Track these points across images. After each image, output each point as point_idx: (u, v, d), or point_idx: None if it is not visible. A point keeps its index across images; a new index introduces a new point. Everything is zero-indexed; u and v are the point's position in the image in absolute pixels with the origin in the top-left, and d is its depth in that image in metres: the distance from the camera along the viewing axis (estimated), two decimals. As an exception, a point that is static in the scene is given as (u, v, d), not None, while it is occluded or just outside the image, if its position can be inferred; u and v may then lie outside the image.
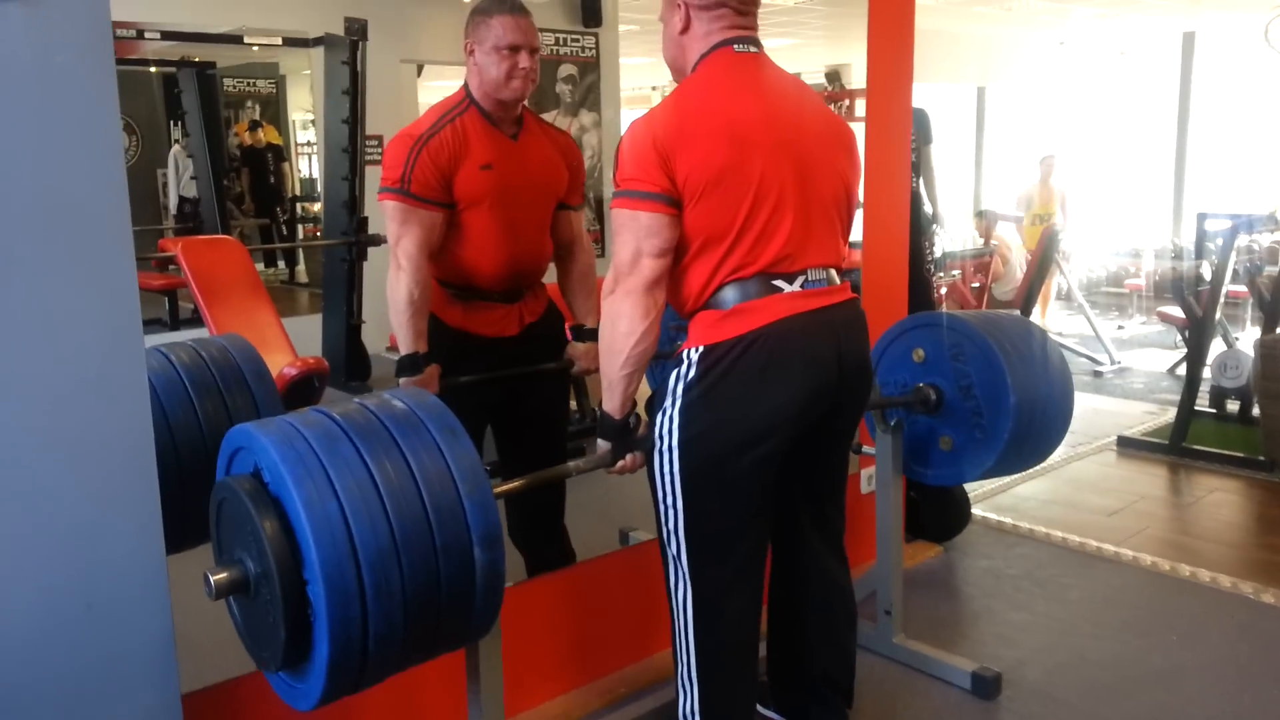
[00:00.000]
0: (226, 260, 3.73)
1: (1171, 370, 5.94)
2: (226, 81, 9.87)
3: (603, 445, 1.79)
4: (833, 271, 1.78)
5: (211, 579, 1.35)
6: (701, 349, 1.69)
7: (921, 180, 4.48)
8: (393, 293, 2.18)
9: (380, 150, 6.11)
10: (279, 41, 5.06)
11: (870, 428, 2.49)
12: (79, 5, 1.40)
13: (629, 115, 8.89)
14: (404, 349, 2.21)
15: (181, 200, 7.87)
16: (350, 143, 4.92)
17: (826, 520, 1.94)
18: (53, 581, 1.39)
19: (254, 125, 9.56)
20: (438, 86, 9.76)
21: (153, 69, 7.70)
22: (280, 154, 9.23)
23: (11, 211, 1.34)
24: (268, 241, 9.33)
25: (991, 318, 2.44)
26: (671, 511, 1.73)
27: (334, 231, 5.14)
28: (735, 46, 1.74)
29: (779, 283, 1.69)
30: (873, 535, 2.55)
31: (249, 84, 10.06)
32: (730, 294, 1.69)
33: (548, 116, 6.80)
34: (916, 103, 4.00)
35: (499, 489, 1.64)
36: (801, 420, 1.72)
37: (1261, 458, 3.80)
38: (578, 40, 6.85)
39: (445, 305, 2.36)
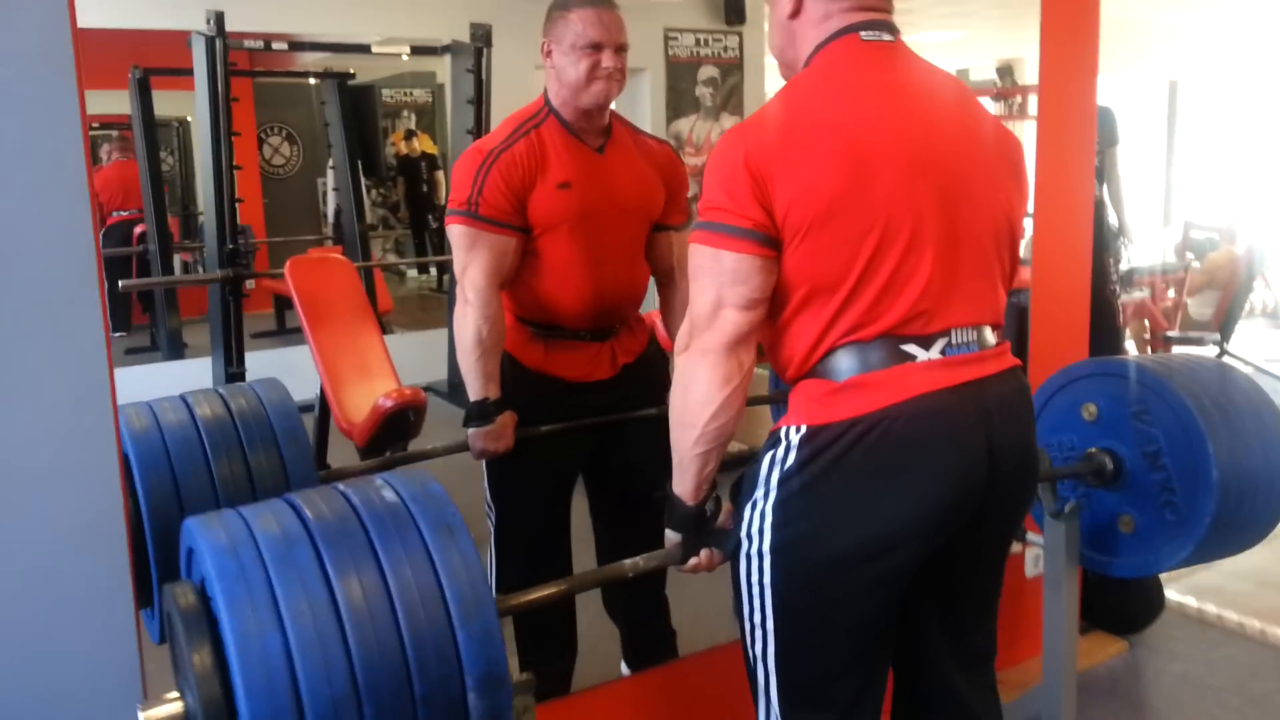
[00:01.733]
0: (334, 280, 3.59)
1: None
2: (385, 92, 10.14)
3: (671, 537, 1.44)
4: (986, 331, 1.36)
5: (141, 715, 1.08)
6: (804, 430, 1.30)
7: (1105, 187, 3.94)
8: (459, 330, 1.91)
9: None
10: (407, 50, 4.96)
11: (1035, 513, 2.02)
12: (30, 5, 1.16)
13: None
14: (473, 395, 1.94)
15: (336, 210, 8.00)
16: (475, 154, 4.75)
17: (969, 647, 1.49)
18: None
19: (409, 135, 9.73)
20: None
21: (312, 80, 7.91)
22: (434, 163, 9.34)
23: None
24: (421, 250, 9.49)
25: (1185, 364, 1.94)
26: (760, 633, 1.35)
27: (459, 245, 5.00)
28: (862, 33, 1.34)
29: (911, 348, 1.29)
30: (1037, 625, 2.09)
31: (406, 94, 10.28)
32: (844, 361, 1.30)
33: (686, 122, 6.48)
34: (1100, 100, 3.49)
35: (514, 601, 1.32)
36: (936, 533, 1.31)
37: None
38: (719, 40, 6.49)
39: (525, 345, 2.06)
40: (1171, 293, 5.76)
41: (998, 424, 1.32)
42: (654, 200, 2.07)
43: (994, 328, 1.38)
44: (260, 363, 4.97)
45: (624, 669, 2.35)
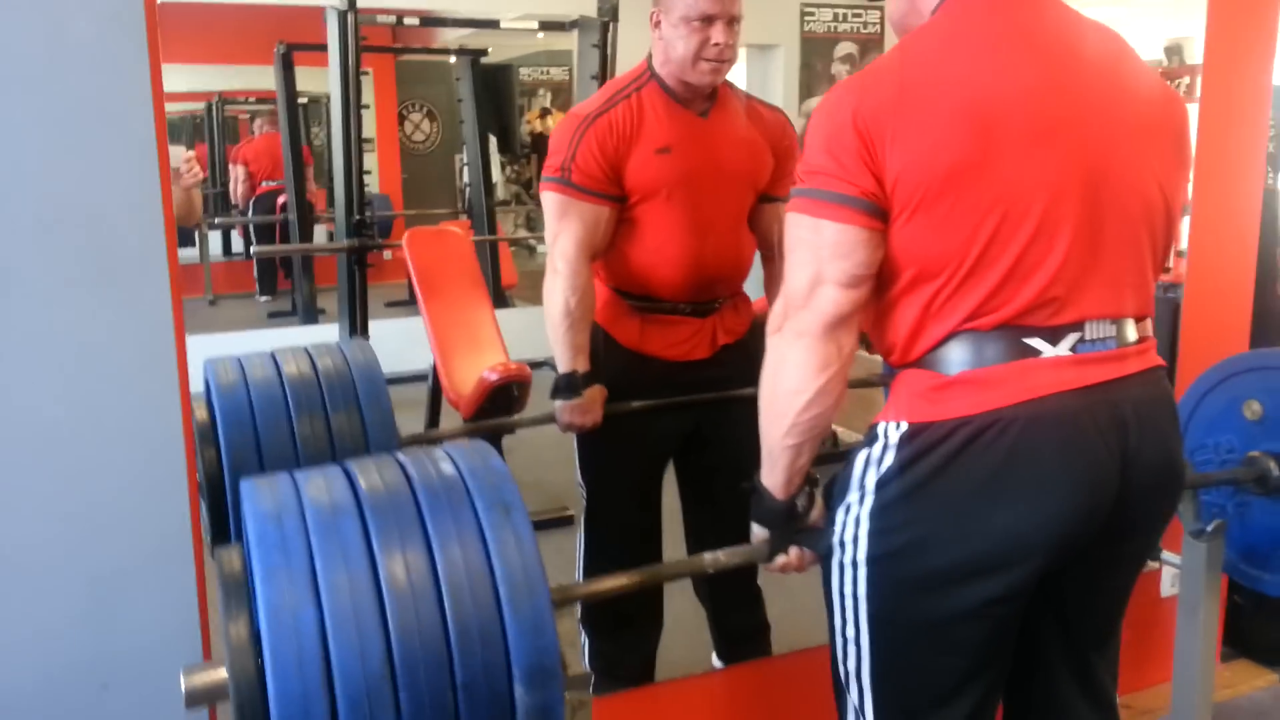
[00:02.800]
0: (450, 253, 3.63)
1: None
2: (522, 70, 10.26)
3: (758, 533, 1.34)
4: (1129, 326, 1.20)
5: (183, 680, 1.05)
6: (905, 428, 1.16)
7: (1280, 175, 3.58)
8: (548, 300, 1.86)
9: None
10: (535, 25, 4.95)
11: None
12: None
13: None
14: (561, 367, 1.88)
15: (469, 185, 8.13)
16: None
17: (1094, 679, 1.33)
18: (68, 659, 1.17)
19: (544, 112, 9.83)
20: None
21: (452, 59, 8.06)
22: (570, 140, 9.39)
23: (14, 220, 1.11)
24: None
25: None
26: (853, 648, 1.23)
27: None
28: None
29: (1035, 341, 1.14)
30: (1171, 647, 1.89)
31: (543, 72, 10.37)
32: (957, 352, 1.15)
33: (819, 101, 6.27)
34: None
35: (581, 591, 1.24)
36: (1058, 550, 1.16)
37: None
38: (859, 15, 6.23)
39: (620, 318, 1.98)
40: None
41: (1134, 432, 1.16)
42: (761, 167, 1.95)
43: (1138, 321, 1.21)
44: (387, 331, 5.07)
45: (715, 660, 2.26)
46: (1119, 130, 1.17)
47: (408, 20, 4.45)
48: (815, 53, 6.08)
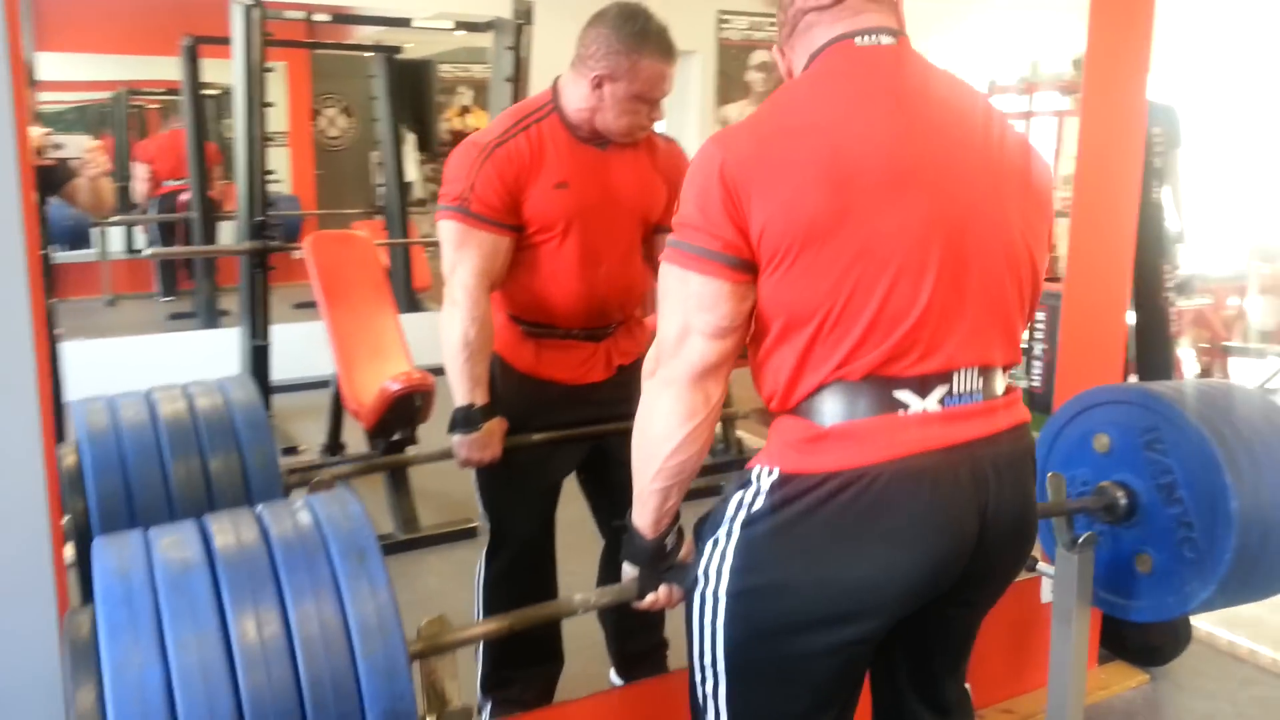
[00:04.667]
0: (354, 257, 3.56)
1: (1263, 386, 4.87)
2: (442, 67, 10.12)
3: (628, 571, 1.35)
4: (996, 377, 1.21)
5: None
6: (777, 474, 1.18)
7: (1166, 190, 3.73)
8: (446, 332, 1.82)
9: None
10: (450, 25, 4.89)
11: (1046, 543, 1.88)
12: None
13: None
14: (459, 399, 1.85)
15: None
16: (511, 133, 4.67)
17: (939, 693, 1.37)
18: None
19: (464, 110, 9.71)
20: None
21: (368, 54, 7.91)
22: (489, 139, 9.30)
23: None
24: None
25: (1200, 389, 1.81)
26: (710, 675, 1.24)
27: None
28: (857, 39, 1.21)
29: (904, 394, 1.15)
30: (1048, 654, 1.95)
31: (463, 69, 10.24)
32: (829, 403, 1.16)
33: (735, 107, 6.31)
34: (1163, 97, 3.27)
35: (449, 639, 1.23)
36: (912, 601, 1.19)
37: None
38: (774, 23, 6.31)
39: (515, 344, 1.97)
40: (1234, 300, 5.49)
41: (994, 489, 1.18)
42: (654, 201, 1.96)
43: (1005, 369, 1.23)
44: (292, 335, 4.94)
45: (614, 677, 2.28)
46: (978, 181, 1.18)
47: (318, 16, 4.35)
48: (731, 60, 6.14)
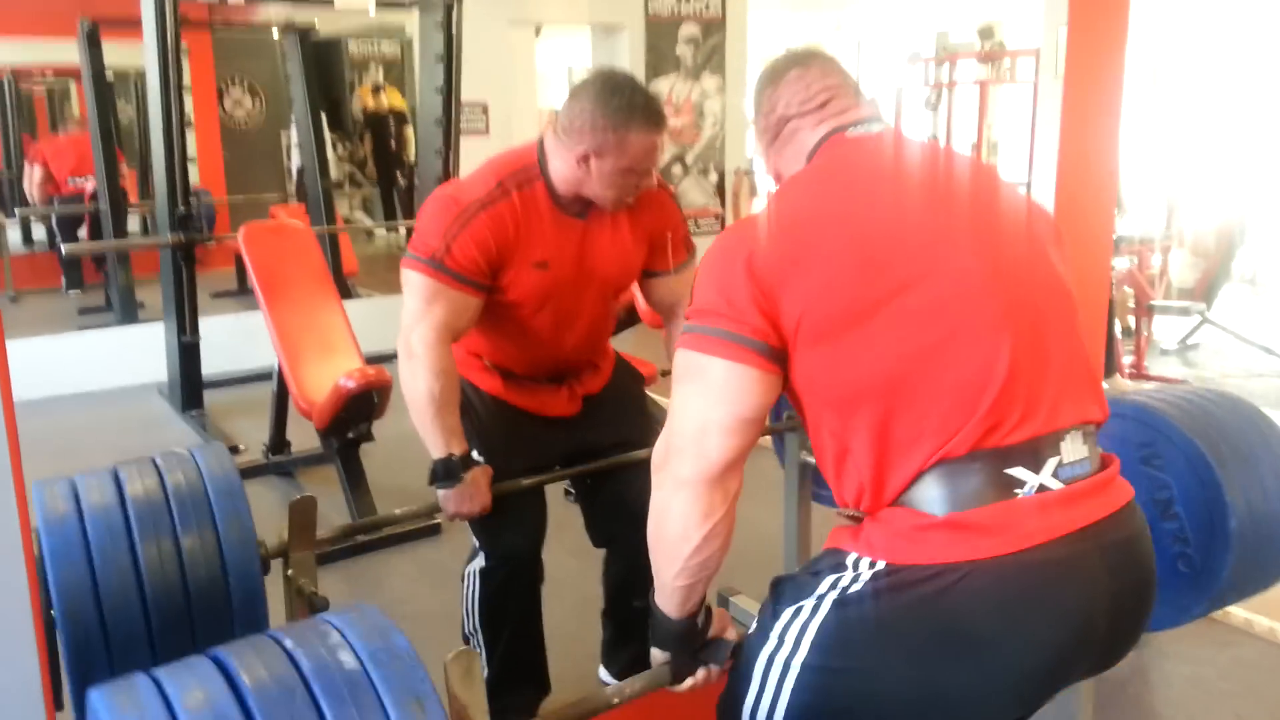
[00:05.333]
0: (293, 249, 3.38)
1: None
2: (351, 44, 9.77)
3: (658, 656, 1.26)
4: (1095, 438, 1.11)
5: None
6: (883, 566, 1.04)
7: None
8: (408, 388, 1.70)
9: (483, 119, 5.73)
10: (371, 5, 4.69)
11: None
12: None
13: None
14: (436, 452, 1.73)
15: (300, 168, 7.71)
16: (444, 114, 4.52)
17: None
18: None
19: (376, 89, 9.39)
20: (556, 45, 9.36)
21: (279, 34, 7.56)
22: (403, 118, 9.01)
23: None
24: (389, 207, 9.18)
25: (1196, 402, 1.78)
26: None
27: (427, 210, 4.78)
28: (848, 131, 1.21)
29: (1018, 471, 1.03)
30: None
31: (373, 46, 9.91)
32: (935, 489, 1.04)
33: (666, 81, 6.25)
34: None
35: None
36: (1017, 704, 1.09)
37: None
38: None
39: (480, 373, 1.90)
40: (1158, 260, 5.68)
41: (1115, 571, 1.07)
42: (630, 271, 1.89)
43: (1098, 428, 1.13)
44: (218, 327, 4.74)
45: (603, 673, 2.22)
46: (1014, 235, 1.14)
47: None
48: (661, 34, 6.06)
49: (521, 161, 1.77)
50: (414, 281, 1.70)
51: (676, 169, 6.40)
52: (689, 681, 1.24)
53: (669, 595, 1.18)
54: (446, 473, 1.72)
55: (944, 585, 1.00)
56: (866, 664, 1.05)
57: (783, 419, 2.17)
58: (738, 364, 1.06)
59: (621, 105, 1.66)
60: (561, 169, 1.75)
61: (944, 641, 1.02)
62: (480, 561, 1.95)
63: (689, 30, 6.26)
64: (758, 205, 6.40)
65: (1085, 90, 2.23)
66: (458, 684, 1.12)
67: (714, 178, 6.55)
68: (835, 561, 1.08)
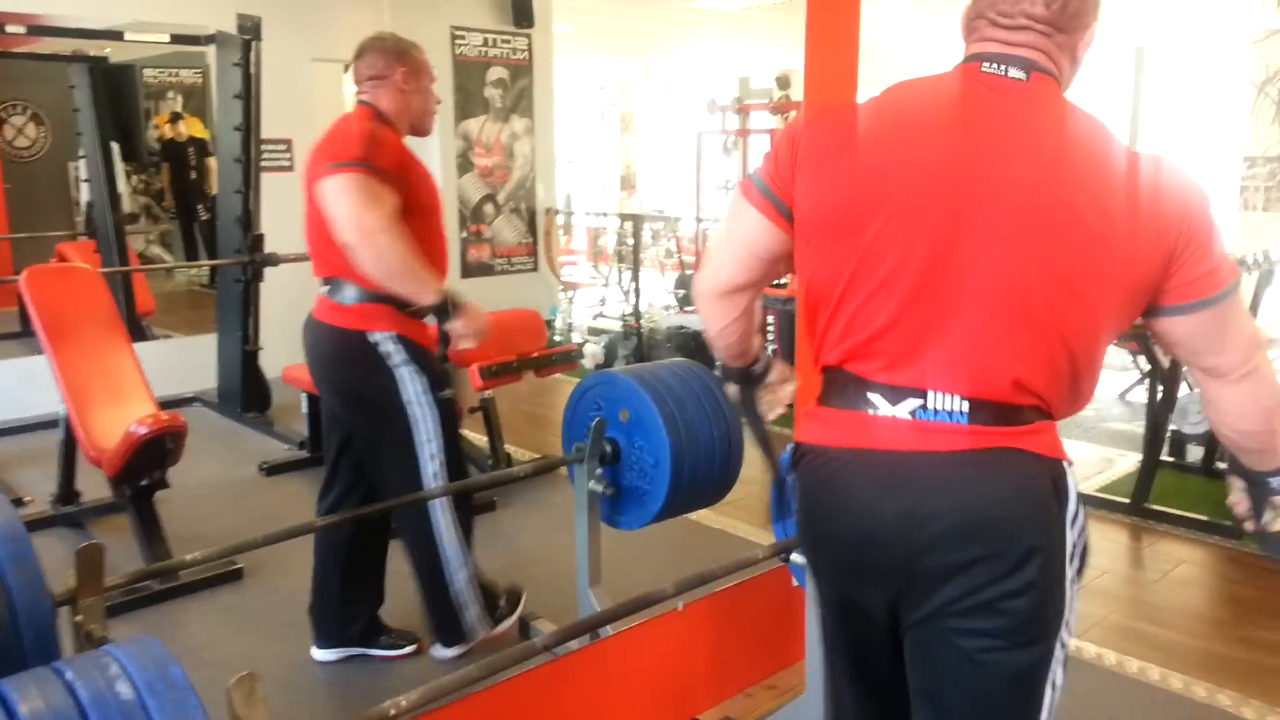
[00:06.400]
0: (79, 293, 3.26)
1: (1123, 396, 5.68)
2: (147, 72, 9.35)
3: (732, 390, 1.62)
4: (985, 408, 1.16)
5: None
6: (796, 444, 1.34)
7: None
8: (384, 257, 2.04)
9: (287, 155, 5.66)
10: (166, 39, 4.59)
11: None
12: None
13: (563, 121, 8.37)
14: (430, 297, 2.11)
15: (89, 202, 7.31)
16: (243, 152, 4.47)
17: None
18: None
19: (175, 117, 9.02)
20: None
21: (70, 62, 7.16)
22: (204, 148, 8.69)
23: None
24: (189, 239, 8.79)
25: (652, 368, 2.38)
26: None
27: (228, 249, 4.69)
28: (984, 65, 1.21)
29: (876, 397, 1.19)
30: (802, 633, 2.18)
31: (171, 74, 9.51)
32: (825, 383, 1.28)
33: (475, 122, 6.37)
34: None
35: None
36: (847, 589, 1.31)
37: (1228, 523, 3.52)
38: (509, 41, 6.42)
39: (406, 323, 2.27)
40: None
41: (925, 503, 1.17)
42: None
43: (1006, 406, 1.16)
44: (1, 373, 4.48)
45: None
46: (1004, 213, 1.15)
47: (11, 28, 3.94)
48: (468, 76, 6.18)
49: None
50: (354, 181, 2.04)
51: (489, 208, 6.51)
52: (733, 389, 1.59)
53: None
54: (453, 303, 2.12)
55: (809, 460, 1.28)
56: (798, 516, 1.36)
57: (572, 451, 2.33)
58: (759, 213, 1.31)
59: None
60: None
61: (806, 503, 1.32)
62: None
63: (497, 73, 6.41)
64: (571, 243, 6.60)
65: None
66: (241, 706, 1.20)
67: (525, 217, 6.71)
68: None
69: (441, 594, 2.36)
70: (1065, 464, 1.20)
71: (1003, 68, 1.20)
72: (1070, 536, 1.20)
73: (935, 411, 1.16)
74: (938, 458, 1.17)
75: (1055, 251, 1.15)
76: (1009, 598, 1.16)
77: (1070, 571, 1.20)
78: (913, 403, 1.17)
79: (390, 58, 2.27)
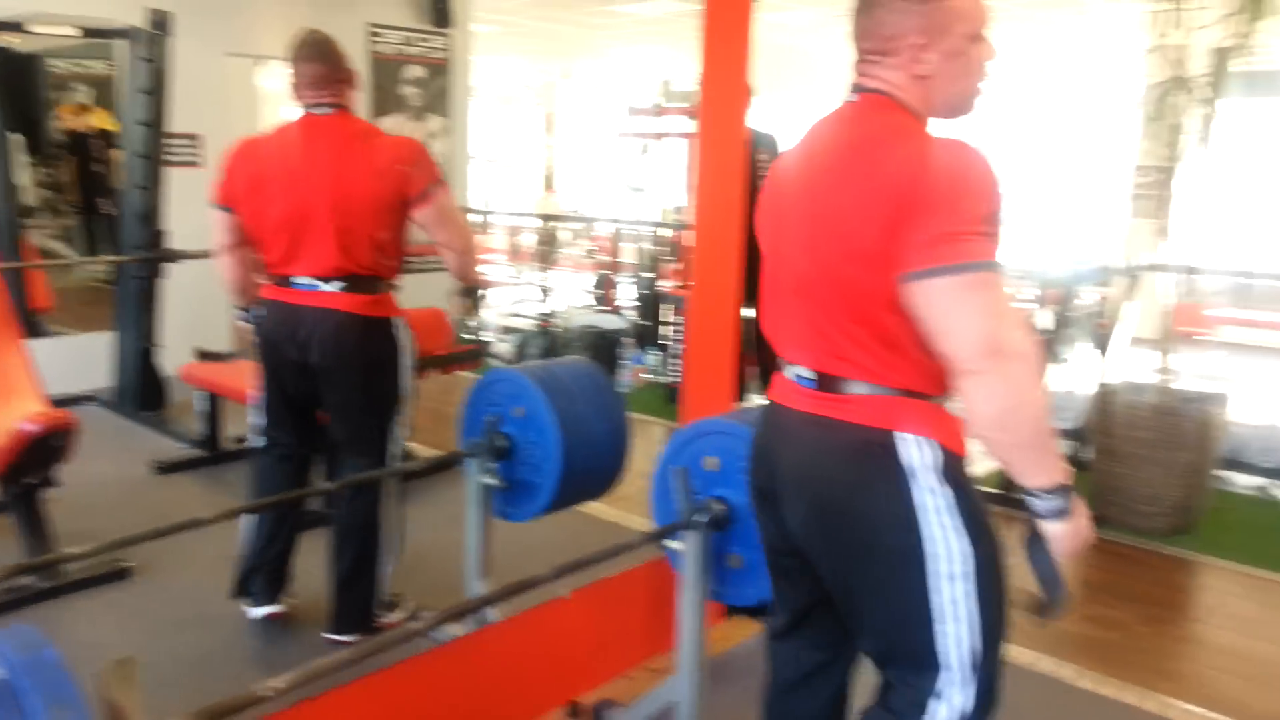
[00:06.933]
0: (-34, 286, 3.18)
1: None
2: (52, 62, 9.04)
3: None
4: (828, 380, 1.42)
5: None
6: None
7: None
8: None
9: (194, 151, 5.54)
10: (70, 31, 4.47)
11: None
12: None
13: (480, 120, 8.30)
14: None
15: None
16: (148, 148, 4.38)
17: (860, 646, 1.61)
18: None
19: (83, 108, 8.75)
20: (283, 73, 9.10)
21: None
22: (111, 140, 8.44)
23: None
24: (91, 236, 8.52)
25: (548, 367, 2.48)
26: None
27: (130, 245, 4.60)
28: (847, 96, 1.48)
29: (785, 367, 1.54)
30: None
31: (78, 65, 9.22)
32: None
33: (392, 120, 6.33)
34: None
35: None
36: (767, 501, 1.60)
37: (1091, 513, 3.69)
38: (426, 40, 6.40)
39: None
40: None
41: (783, 448, 1.53)
42: None
43: (840, 379, 1.40)
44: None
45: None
46: (801, 214, 1.43)
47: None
48: (385, 74, 6.14)
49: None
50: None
51: (404, 206, 6.47)
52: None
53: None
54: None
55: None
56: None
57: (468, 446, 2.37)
58: None
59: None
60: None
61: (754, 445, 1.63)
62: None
63: (414, 71, 6.39)
64: (485, 243, 6.53)
65: (715, 145, 2.58)
66: (116, 689, 1.22)
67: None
68: None
69: (366, 582, 2.52)
70: (896, 434, 1.38)
71: (851, 95, 1.46)
72: (917, 496, 1.37)
73: (799, 379, 1.48)
74: (811, 419, 1.47)
75: (819, 239, 1.39)
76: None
77: (931, 527, 1.39)
78: (793, 371, 1.50)
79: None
